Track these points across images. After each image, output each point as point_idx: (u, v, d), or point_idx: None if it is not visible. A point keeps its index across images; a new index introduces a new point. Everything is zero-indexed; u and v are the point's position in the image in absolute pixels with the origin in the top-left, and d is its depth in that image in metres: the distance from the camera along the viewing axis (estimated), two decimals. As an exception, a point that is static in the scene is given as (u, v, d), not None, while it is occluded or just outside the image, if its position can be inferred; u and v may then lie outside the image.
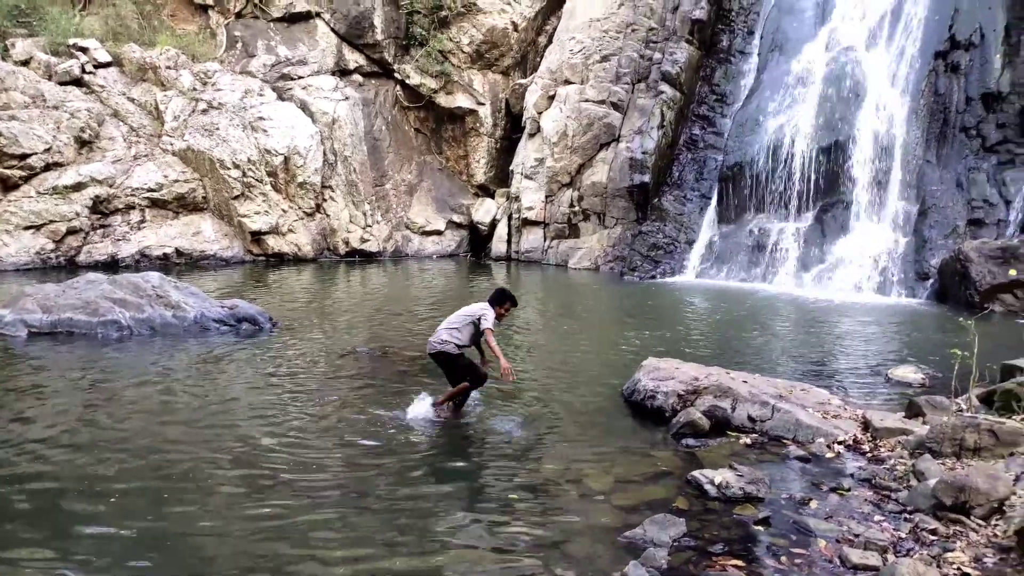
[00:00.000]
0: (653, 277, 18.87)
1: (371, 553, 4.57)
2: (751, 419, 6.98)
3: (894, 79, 18.28)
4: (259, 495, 5.42)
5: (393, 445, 6.53)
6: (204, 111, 19.46)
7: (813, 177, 18.20)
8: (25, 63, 18.88)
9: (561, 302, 15.80)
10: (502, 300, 7.27)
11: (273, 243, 19.77)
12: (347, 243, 21.25)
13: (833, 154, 18.01)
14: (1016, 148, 16.95)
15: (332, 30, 22.32)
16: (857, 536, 4.75)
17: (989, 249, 14.86)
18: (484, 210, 23.19)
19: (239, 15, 22.07)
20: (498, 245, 22.64)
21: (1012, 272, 13.58)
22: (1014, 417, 6.23)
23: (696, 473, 5.65)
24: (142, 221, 18.51)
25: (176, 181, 18.84)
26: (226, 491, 5.49)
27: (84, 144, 18.21)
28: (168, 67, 19.85)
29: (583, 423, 7.31)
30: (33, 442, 6.34)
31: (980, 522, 4.79)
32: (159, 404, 7.59)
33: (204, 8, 22.48)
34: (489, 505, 5.40)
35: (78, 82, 19.22)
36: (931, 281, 16.08)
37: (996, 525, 4.75)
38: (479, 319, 7.08)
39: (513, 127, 23.73)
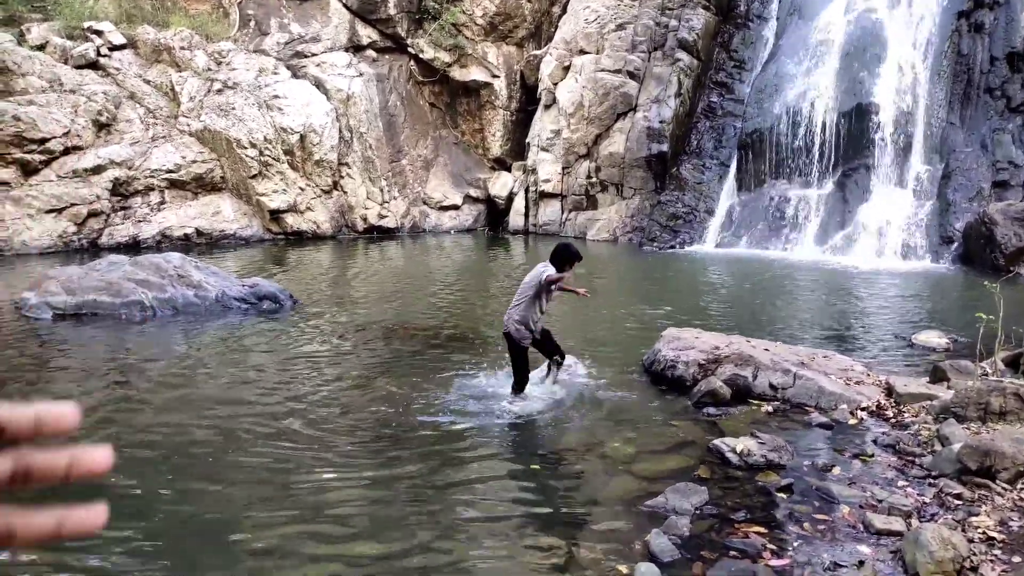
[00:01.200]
0: (672, 247, 18.75)
1: (391, 525, 4.61)
2: (773, 387, 6.95)
3: (916, 40, 17.91)
4: (279, 472, 5.48)
5: (413, 419, 6.57)
6: (219, 91, 19.47)
7: (834, 142, 17.94)
8: (41, 47, 18.94)
9: (580, 273, 15.76)
10: (562, 262, 6.49)
11: (291, 221, 19.83)
12: (365, 220, 21.26)
13: (854, 118, 17.73)
14: (1043, 107, 16.62)
15: (344, 6, 22.18)
16: (881, 501, 4.73)
17: (1015, 211, 14.63)
18: (501, 184, 23.09)
19: (251, -7, 21.99)
20: (515, 218, 22.56)
21: (1039, 234, 13.39)
22: (1041, 380, 6.16)
23: (718, 441, 5.63)
24: (162, 202, 18.63)
25: (194, 162, 18.92)
26: (246, 472, 5.54)
27: (102, 127, 18.29)
28: (182, 48, 19.85)
29: (604, 393, 7.30)
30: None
31: (1006, 486, 4.75)
32: (181, 383, 7.68)
33: (216, -13, 22.43)
34: (510, 475, 5.43)
35: (94, 65, 19.26)
36: (955, 245, 15.86)
37: (1022, 489, 4.71)
38: (541, 279, 6.44)
39: (528, 99, 23.52)
